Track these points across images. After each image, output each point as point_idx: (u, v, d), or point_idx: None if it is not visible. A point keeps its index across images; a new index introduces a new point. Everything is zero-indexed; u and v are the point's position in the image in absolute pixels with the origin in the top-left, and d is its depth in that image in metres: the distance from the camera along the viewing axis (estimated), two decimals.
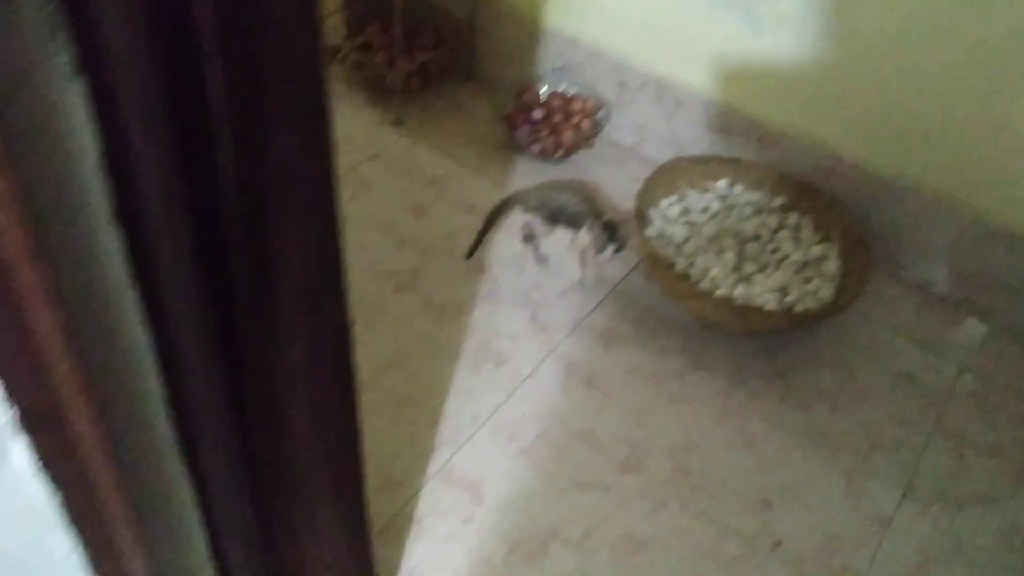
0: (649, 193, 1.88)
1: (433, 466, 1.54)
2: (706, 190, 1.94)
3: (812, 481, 1.57)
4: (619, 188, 2.04)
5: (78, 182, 0.63)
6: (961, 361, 1.78)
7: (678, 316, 1.80)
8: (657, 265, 1.76)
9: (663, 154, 2.11)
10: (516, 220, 1.89)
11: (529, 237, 1.89)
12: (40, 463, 0.70)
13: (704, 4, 1.91)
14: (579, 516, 1.49)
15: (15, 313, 0.61)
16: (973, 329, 1.86)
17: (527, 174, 2.10)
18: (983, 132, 1.72)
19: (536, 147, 2.11)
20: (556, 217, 1.84)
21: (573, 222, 1.83)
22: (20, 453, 0.69)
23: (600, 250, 1.82)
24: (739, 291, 1.74)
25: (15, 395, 0.65)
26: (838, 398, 1.70)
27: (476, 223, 1.89)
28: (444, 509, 1.48)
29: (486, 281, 1.87)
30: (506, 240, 1.92)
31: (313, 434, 0.89)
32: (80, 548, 0.79)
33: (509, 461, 1.56)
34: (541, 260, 1.90)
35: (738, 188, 1.95)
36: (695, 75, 2.01)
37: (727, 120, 2.01)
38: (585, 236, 1.83)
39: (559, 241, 1.88)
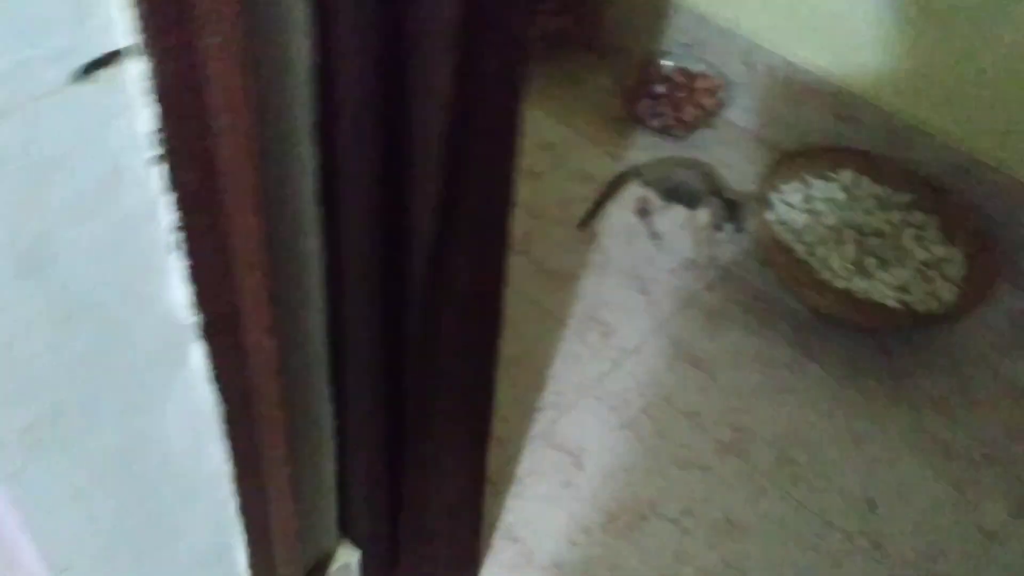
0: (772, 177, 1.84)
1: (536, 428, 1.54)
2: (831, 179, 1.89)
3: (919, 486, 1.53)
4: (738, 170, 2.00)
5: (289, 90, 0.63)
6: None
7: (792, 304, 1.77)
8: (775, 250, 1.73)
9: (786, 139, 2.06)
10: (632, 193, 1.87)
11: (644, 211, 1.87)
12: (213, 371, 0.71)
13: None
14: (678, 494, 1.47)
15: (218, 219, 0.62)
16: None
17: (644, 148, 2.08)
18: None
19: (656, 121, 2.08)
20: (673, 193, 1.82)
21: (690, 200, 1.80)
22: (198, 356, 0.70)
23: (717, 229, 1.79)
24: (858, 285, 1.70)
25: (203, 303, 0.66)
26: (950, 405, 1.65)
27: (590, 192, 1.87)
28: (545, 471, 1.48)
29: (597, 251, 1.85)
30: (620, 212, 1.90)
31: (458, 370, 0.89)
32: (231, 460, 0.81)
33: (611, 432, 1.55)
34: (655, 235, 1.87)
35: (864, 181, 1.89)
36: (828, 61, 1.95)
37: (856, 110, 1.95)
38: (702, 214, 1.80)
39: (674, 218, 1.85)
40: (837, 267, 1.73)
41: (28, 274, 0.54)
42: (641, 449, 1.53)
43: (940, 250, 1.78)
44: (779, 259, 1.72)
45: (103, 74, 0.50)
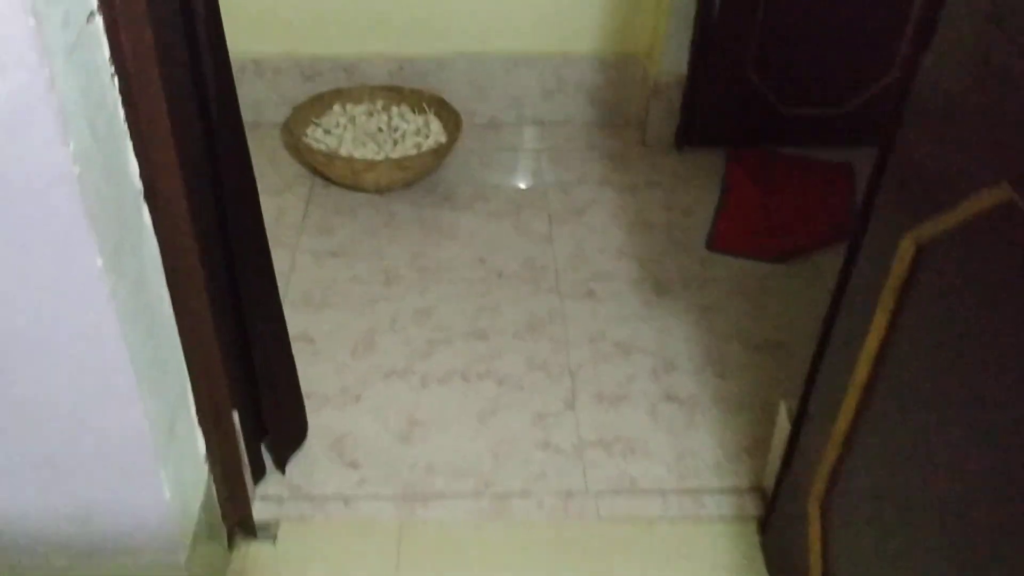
0: (297, 126, 2.52)
1: None
2: (330, 115, 2.63)
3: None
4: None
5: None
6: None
7: (365, 194, 2.48)
8: (331, 160, 2.41)
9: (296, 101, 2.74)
10: None
11: None
12: (153, 225, 1.19)
13: None
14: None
15: (137, 110, 1.12)
16: None
17: None
18: None
19: None
20: None
21: None
22: (146, 213, 1.18)
23: None
24: (394, 155, 2.47)
25: (142, 174, 1.15)
26: (465, 201, 2.51)
27: None
28: None
29: None
30: None
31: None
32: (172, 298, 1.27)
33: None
34: None
35: (348, 106, 2.66)
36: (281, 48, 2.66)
37: (314, 69, 2.70)
38: None
39: None
40: (373, 155, 2.47)
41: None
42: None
43: (419, 119, 2.62)
44: (338, 164, 2.42)
45: (93, 19, 1.00)
